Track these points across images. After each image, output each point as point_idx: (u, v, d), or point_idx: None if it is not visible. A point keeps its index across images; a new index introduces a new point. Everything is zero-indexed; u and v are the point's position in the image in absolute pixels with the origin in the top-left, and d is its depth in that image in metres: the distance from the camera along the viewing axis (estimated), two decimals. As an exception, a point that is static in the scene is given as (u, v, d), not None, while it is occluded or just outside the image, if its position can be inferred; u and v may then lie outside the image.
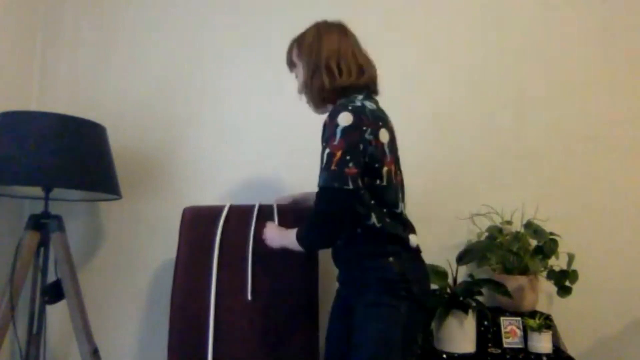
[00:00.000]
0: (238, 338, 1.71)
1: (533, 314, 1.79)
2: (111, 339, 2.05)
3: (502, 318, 1.78)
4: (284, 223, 1.76)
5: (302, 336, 1.56)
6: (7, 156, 1.67)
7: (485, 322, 1.79)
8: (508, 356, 1.70)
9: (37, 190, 1.83)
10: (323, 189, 1.26)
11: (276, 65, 2.14)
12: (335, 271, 1.47)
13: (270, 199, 1.79)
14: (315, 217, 1.28)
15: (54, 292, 1.79)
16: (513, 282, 1.80)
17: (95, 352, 1.79)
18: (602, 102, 2.08)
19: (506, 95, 2.10)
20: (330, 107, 1.39)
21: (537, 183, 2.04)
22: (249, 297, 1.71)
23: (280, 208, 1.78)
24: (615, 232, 2.01)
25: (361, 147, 1.26)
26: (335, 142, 1.25)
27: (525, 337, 1.75)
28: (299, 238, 1.33)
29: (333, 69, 1.37)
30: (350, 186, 1.23)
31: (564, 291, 1.82)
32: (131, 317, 2.09)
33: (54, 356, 2.07)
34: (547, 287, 1.91)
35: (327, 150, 1.26)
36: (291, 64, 1.48)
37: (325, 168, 1.26)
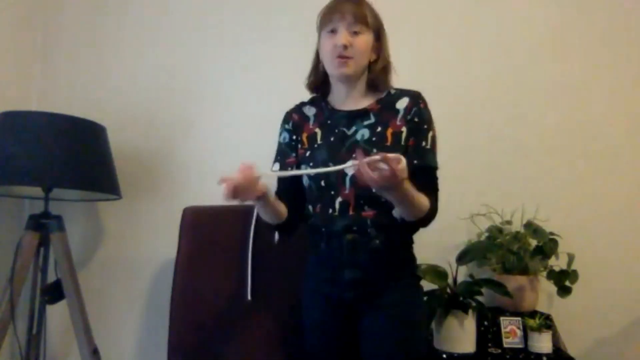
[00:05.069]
0: (238, 338, 1.71)
1: (533, 314, 1.79)
2: (111, 339, 2.05)
3: (502, 318, 1.78)
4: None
5: (301, 336, 1.56)
6: (7, 156, 1.67)
7: (485, 322, 1.79)
8: (508, 356, 1.70)
9: (37, 190, 1.83)
10: (435, 170, 1.34)
11: (276, 65, 2.14)
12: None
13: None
14: (436, 195, 1.32)
15: (54, 292, 1.79)
16: (513, 282, 1.80)
17: (95, 352, 1.79)
18: (603, 102, 2.08)
19: (506, 95, 2.10)
20: (360, 85, 1.38)
21: (537, 183, 2.04)
22: (249, 297, 1.71)
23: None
24: (616, 232, 2.00)
25: None
26: (434, 127, 1.35)
27: (525, 337, 1.75)
28: (432, 211, 1.27)
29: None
30: None
31: (564, 291, 1.82)
32: (131, 317, 2.09)
33: (54, 356, 2.07)
34: (547, 287, 1.90)
35: (432, 133, 1.34)
36: (364, 22, 1.32)
37: (432, 150, 1.33)
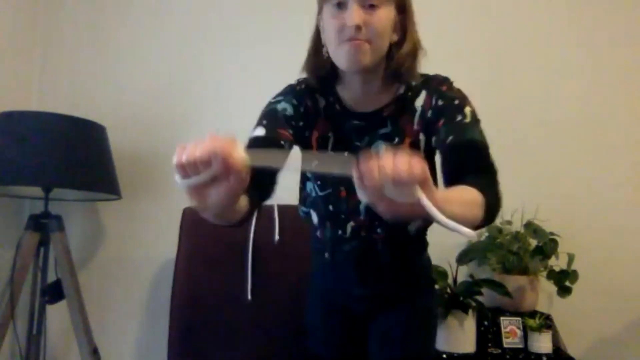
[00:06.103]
0: (238, 338, 1.71)
1: (533, 314, 1.79)
2: (111, 339, 2.05)
3: (502, 318, 1.78)
4: (284, 224, 1.77)
5: (302, 336, 1.56)
6: (7, 156, 1.67)
7: (485, 322, 1.79)
8: (508, 356, 1.70)
9: (37, 190, 1.83)
10: (484, 146, 1.01)
11: (276, 66, 2.14)
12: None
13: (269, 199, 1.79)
14: (496, 176, 0.97)
15: (54, 292, 1.79)
16: (513, 282, 1.80)
17: (95, 352, 1.79)
18: (603, 102, 2.08)
19: (505, 94, 2.10)
20: (378, 76, 1.06)
21: (537, 183, 2.03)
22: (249, 297, 1.71)
23: (280, 208, 1.78)
24: (615, 232, 2.00)
25: None
26: (472, 104, 1.04)
27: (525, 337, 1.75)
28: (490, 202, 0.85)
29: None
30: None
31: (564, 291, 1.82)
32: (131, 317, 2.09)
33: (54, 356, 2.07)
34: (547, 287, 1.90)
35: (469, 108, 1.03)
36: None
37: (474, 123, 1.01)
